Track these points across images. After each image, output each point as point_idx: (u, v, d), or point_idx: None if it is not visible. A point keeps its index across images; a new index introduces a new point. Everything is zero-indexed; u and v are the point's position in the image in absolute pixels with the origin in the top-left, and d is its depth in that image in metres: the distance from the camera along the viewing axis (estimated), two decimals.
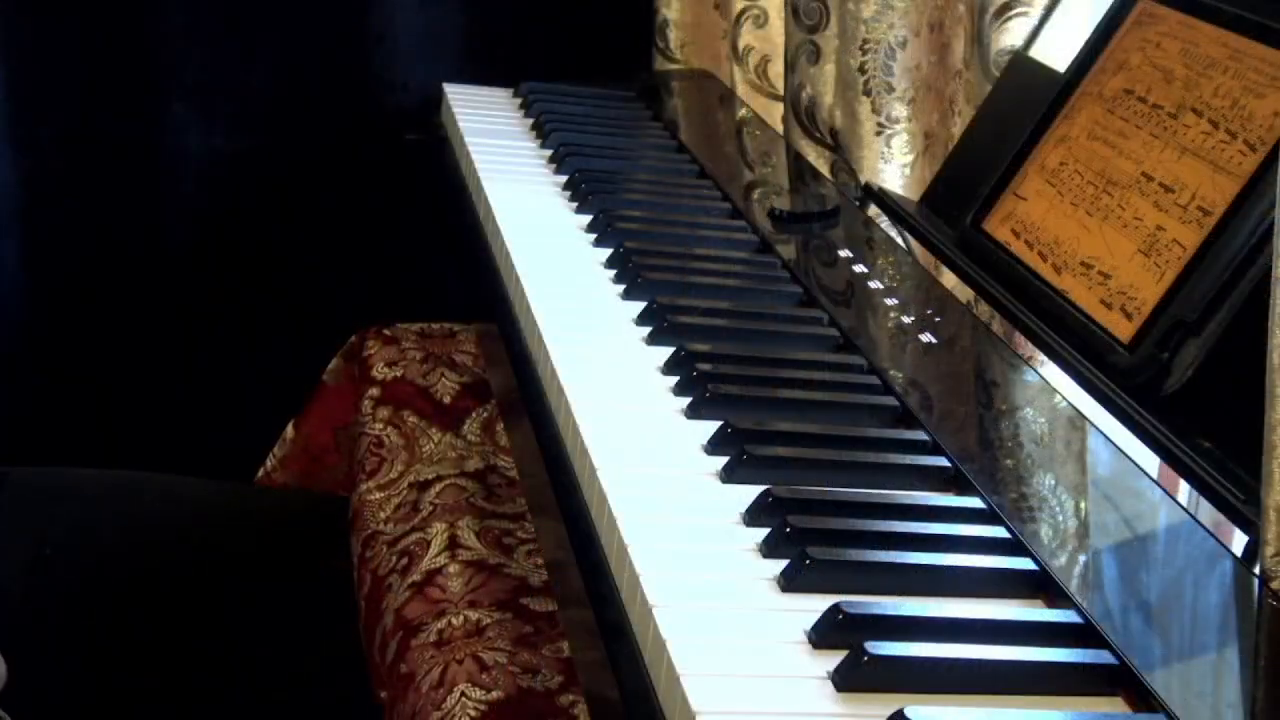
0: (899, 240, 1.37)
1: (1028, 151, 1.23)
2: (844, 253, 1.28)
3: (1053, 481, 0.94)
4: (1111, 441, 0.98)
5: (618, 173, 1.44)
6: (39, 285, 1.87)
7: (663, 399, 1.01)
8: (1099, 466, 0.97)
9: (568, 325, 1.11)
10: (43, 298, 1.87)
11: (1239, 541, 0.89)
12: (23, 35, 1.78)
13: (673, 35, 1.87)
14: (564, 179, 1.42)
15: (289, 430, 1.65)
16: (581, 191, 1.37)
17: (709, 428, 0.95)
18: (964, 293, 1.28)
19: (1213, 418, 0.96)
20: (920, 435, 0.98)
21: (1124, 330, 1.04)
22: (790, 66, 1.69)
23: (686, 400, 1.00)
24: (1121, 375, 1.03)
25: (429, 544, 1.20)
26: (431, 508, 1.28)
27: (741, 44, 1.78)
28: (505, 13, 1.90)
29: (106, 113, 1.83)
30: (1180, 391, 0.99)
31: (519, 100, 1.66)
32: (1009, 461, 0.96)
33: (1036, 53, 1.37)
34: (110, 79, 1.82)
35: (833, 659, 0.74)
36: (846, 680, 0.73)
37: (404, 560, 1.17)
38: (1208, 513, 0.93)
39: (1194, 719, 0.73)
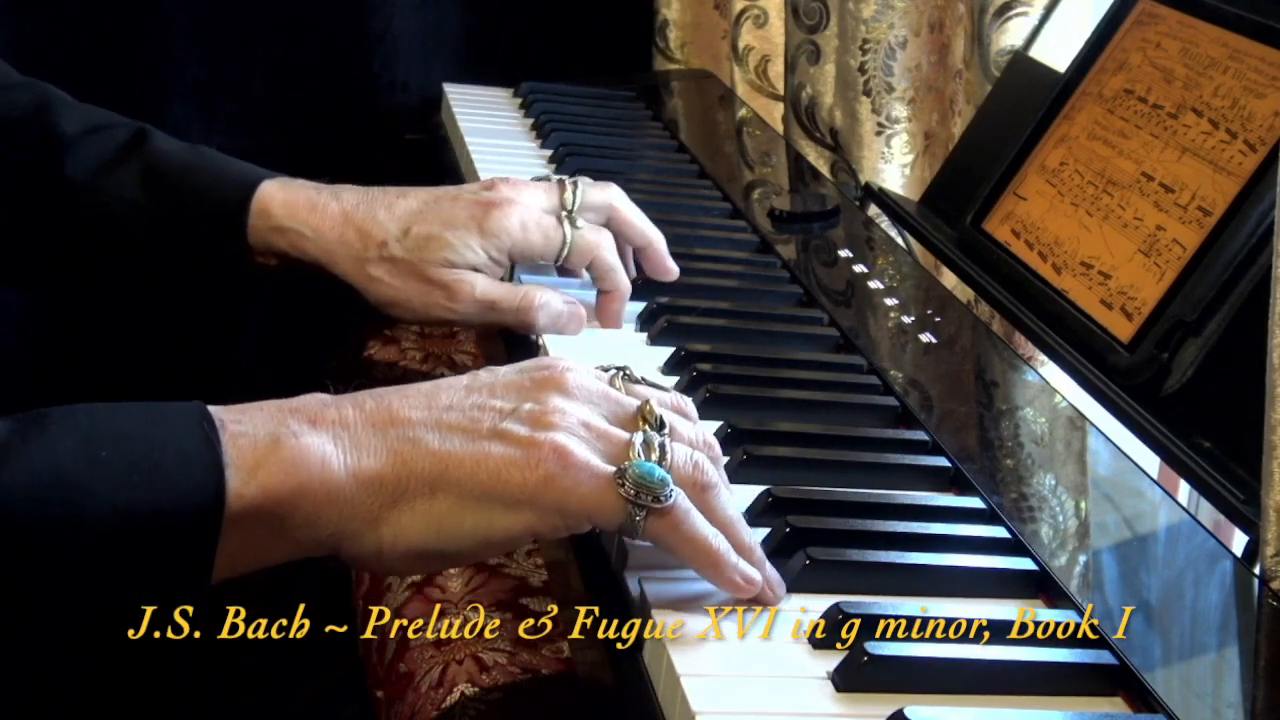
0: (899, 240, 1.37)
1: (1028, 151, 1.23)
2: (844, 253, 1.28)
3: (1053, 481, 0.94)
4: (1111, 441, 0.98)
5: (618, 173, 1.44)
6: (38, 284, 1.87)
7: None
8: (1099, 466, 0.97)
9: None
10: (42, 296, 1.87)
11: (1239, 541, 0.89)
12: (23, 35, 1.78)
13: (673, 35, 1.87)
14: None
15: None
16: None
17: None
18: (964, 293, 1.28)
19: (1213, 418, 0.96)
20: (920, 435, 0.98)
21: (1124, 330, 1.04)
22: (790, 66, 1.69)
23: None
24: (1121, 375, 1.03)
25: None
26: None
27: (741, 44, 1.78)
28: (505, 13, 1.89)
29: None
30: (1180, 391, 1.00)
31: (519, 100, 1.66)
32: (1009, 461, 0.96)
33: (1036, 53, 1.37)
34: (110, 79, 1.82)
35: (833, 659, 0.74)
36: (846, 680, 0.73)
37: None
38: (1208, 513, 0.93)
39: (1194, 719, 0.73)
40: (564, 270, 1.17)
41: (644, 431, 0.80)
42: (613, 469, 0.78)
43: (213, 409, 0.76)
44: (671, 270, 1.18)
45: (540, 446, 0.77)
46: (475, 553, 0.79)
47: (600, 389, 0.83)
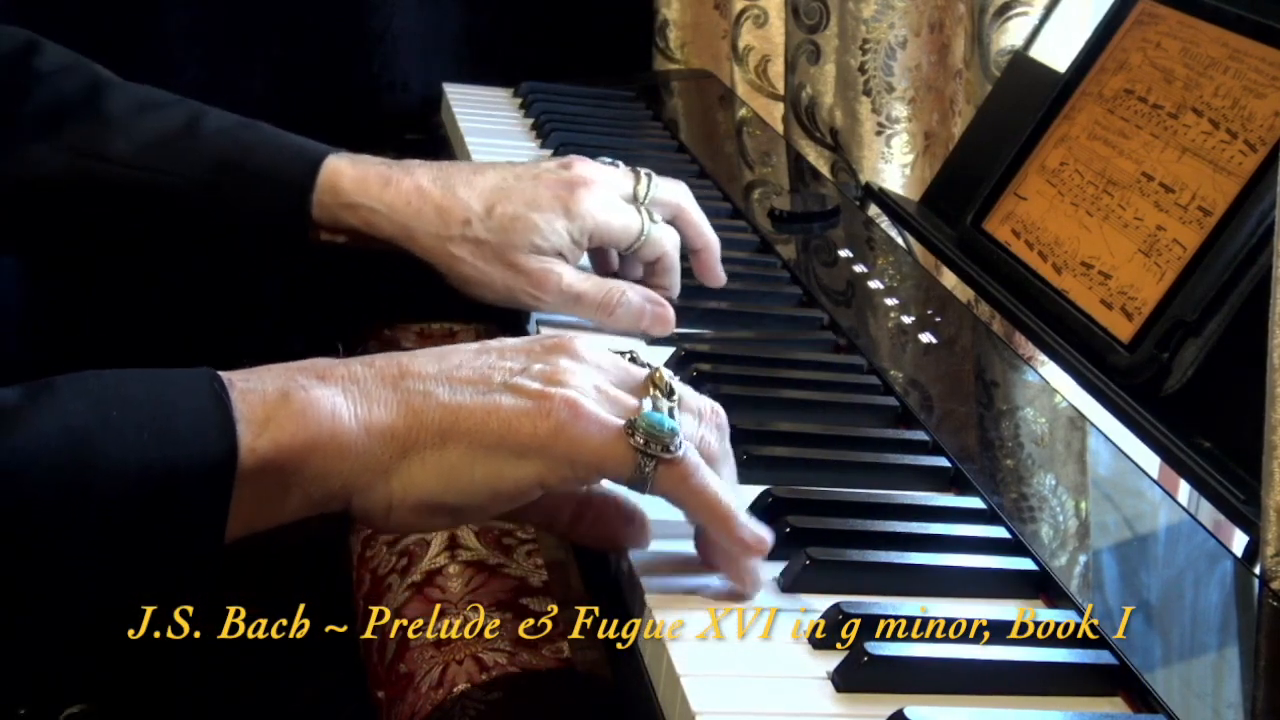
0: (899, 240, 1.37)
1: (1028, 151, 1.23)
2: (844, 253, 1.28)
3: (1053, 481, 0.94)
4: (1111, 441, 0.98)
5: None
6: (39, 284, 1.87)
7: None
8: (1099, 466, 0.97)
9: (566, 325, 1.11)
10: (43, 296, 1.87)
11: (1239, 541, 0.89)
12: None
13: (673, 35, 1.87)
14: None
15: None
16: None
17: None
18: (964, 293, 1.28)
19: (1213, 418, 0.96)
20: (920, 435, 0.98)
21: (1124, 330, 1.04)
22: (790, 66, 1.69)
23: None
24: (1121, 375, 1.03)
25: (429, 544, 1.19)
26: None
27: (741, 44, 1.78)
28: (505, 13, 1.89)
29: None
30: (1180, 391, 1.00)
31: (519, 100, 1.66)
32: (1009, 461, 0.96)
33: (1036, 53, 1.37)
34: None
35: (833, 659, 0.74)
36: (846, 680, 0.73)
37: (404, 560, 1.17)
38: (1208, 513, 0.93)
39: (1194, 719, 0.73)
40: (626, 261, 1.15)
41: (653, 398, 0.80)
42: (623, 421, 0.78)
43: (221, 372, 0.77)
44: (721, 276, 1.16)
45: (551, 398, 0.77)
46: (484, 506, 0.79)
47: (610, 357, 0.83)
